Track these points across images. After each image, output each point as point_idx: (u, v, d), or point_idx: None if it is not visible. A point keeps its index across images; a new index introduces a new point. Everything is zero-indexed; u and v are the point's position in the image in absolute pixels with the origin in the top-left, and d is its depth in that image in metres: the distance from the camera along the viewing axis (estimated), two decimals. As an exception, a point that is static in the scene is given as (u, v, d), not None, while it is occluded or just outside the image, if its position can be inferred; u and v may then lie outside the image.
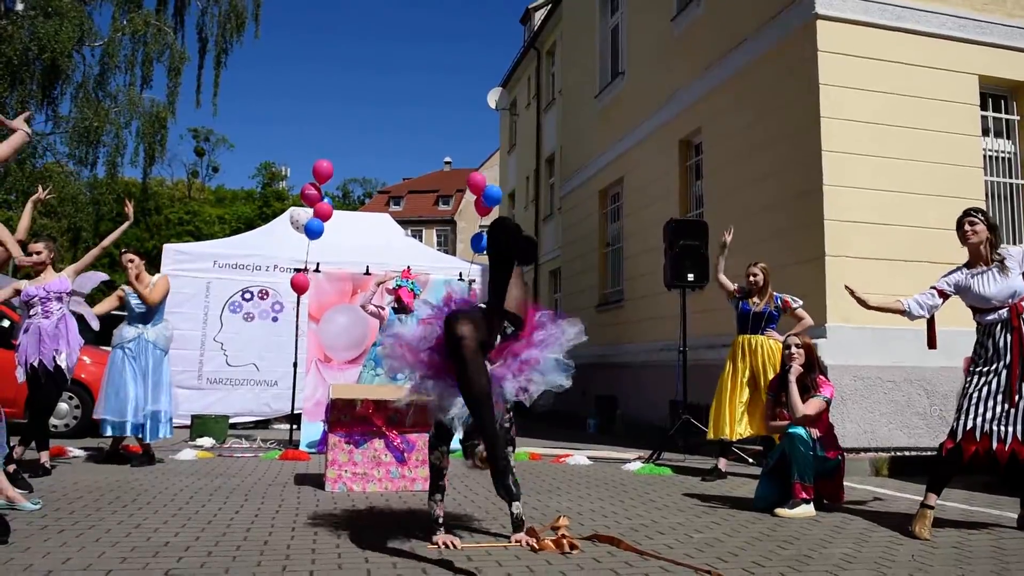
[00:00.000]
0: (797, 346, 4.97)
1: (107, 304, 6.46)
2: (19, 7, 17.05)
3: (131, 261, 6.44)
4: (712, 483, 6.02)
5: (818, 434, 4.68)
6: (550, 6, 19.29)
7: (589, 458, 7.36)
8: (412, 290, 7.15)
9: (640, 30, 12.08)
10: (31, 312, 5.58)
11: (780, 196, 8.08)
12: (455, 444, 3.66)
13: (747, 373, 6.30)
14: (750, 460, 6.97)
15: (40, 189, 5.53)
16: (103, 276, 6.24)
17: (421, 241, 27.33)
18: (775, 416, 5.09)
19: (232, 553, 3.35)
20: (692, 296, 8.01)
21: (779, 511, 4.59)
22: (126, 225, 6.33)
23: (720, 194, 9.32)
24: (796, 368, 4.90)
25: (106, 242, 6.21)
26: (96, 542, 3.49)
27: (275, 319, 10.01)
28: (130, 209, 6.34)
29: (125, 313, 6.59)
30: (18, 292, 5.58)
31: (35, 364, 5.49)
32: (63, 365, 5.58)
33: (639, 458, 7.24)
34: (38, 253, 5.66)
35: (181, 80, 18.92)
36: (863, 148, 7.58)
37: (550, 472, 6.52)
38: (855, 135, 7.57)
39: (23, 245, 5.57)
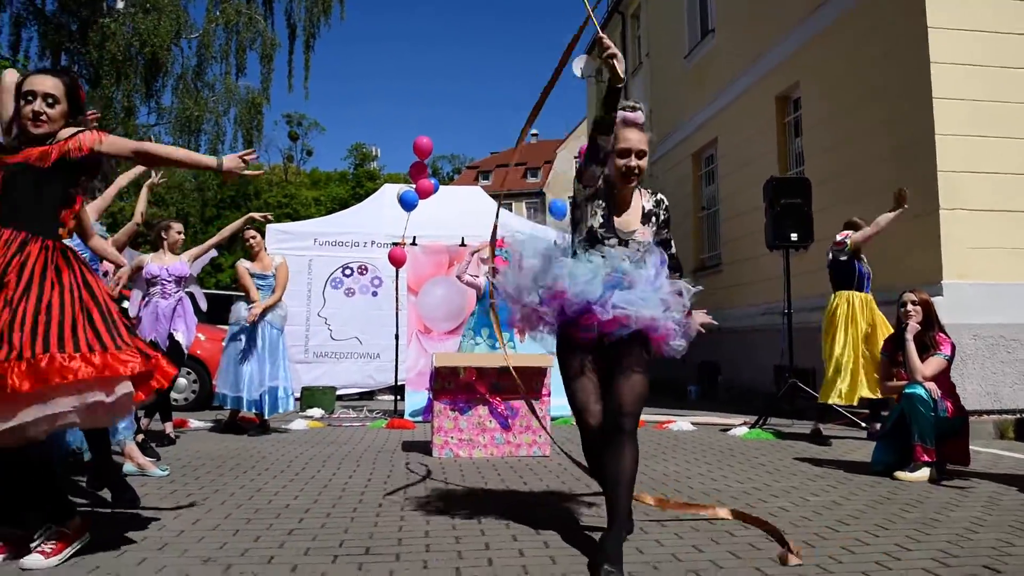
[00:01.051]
0: (913, 303, 4.74)
1: (253, 289, 6.67)
2: (120, 5, 17.81)
3: (253, 238, 6.70)
4: (825, 447, 5.85)
5: (939, 393, 4.46)
6: (634, -33, 18.82)
7: (693, 424, 7.27)
8: (507, 259, 7.15)
9: (731, -16, 11.65)
10: (151, 289, 5.87)
11: (887, 148, 7.69)
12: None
13: (862, 330, 6.10)
14: (863, 424, 6.73)
15: (153, 175, 5.78)
16: (212, 253, 6.52)
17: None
18: (890, 376, 4.89)
19: (349, 515, 3.45)
20: (795, 256, 7.73)
21: (899, 474, 4.42)
22: (247, 218, 6.65)
23: (821, 149, 8.94)
24: (913, 326, 4.68)
25: (225, 233, 6.50)
26: (222, 504, 3.67)
27: (375, 293, 10.23)
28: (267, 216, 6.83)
29: (240, 293, 6.86)
30: (140, 268, 5.88)
31: (153, 341, 5.79)
32: (181, 341, 5.86)
33: (744, 423, 7.10)
34: (181, 234, 6.08)
35: (273, 66, 19.44)
36: (978, 94, 7.11)
37: (653, 438, 6.46)
38: (969, 80, 7.11)
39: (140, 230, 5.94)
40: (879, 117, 7.82)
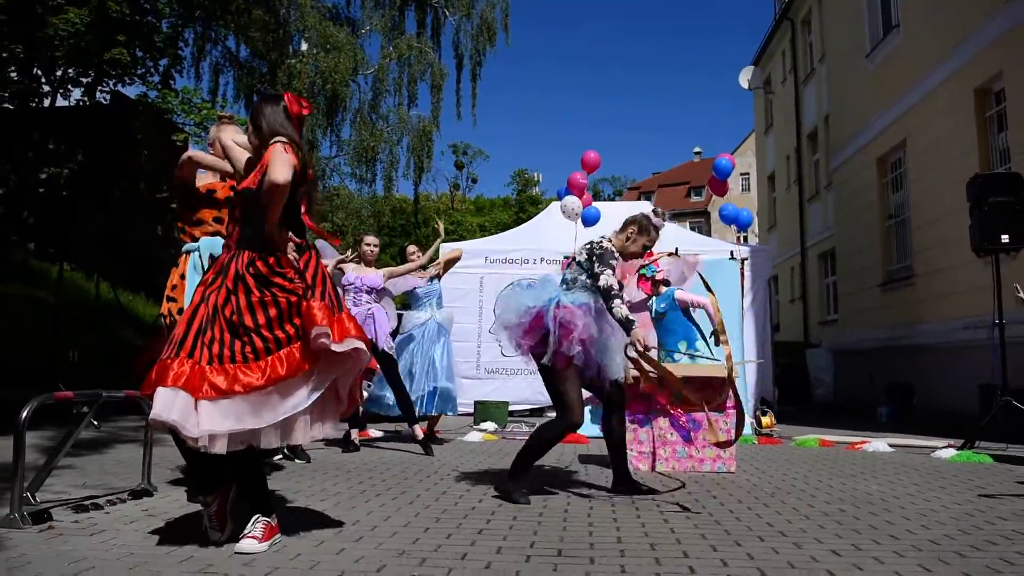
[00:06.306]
0: None
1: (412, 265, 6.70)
2: (304, 46, 19.18)
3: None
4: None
5: None
6: (804, -28, 18.05)
7: (890, 445, 6.69)
8: (643, 275, 6.85)
9: (917, -25, 10.87)
10: (344, 297, 6.15)
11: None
12: None
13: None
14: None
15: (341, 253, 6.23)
16: (409, 279, 6.69)
17: (676, 233, 26.70)
18: None
19: (535, 519, 3.39)
20: (1005, 262, 6.97)
21: None
22: (438, 243, 6.87)
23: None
24: None
25: (424, 259, 6.63)
26: (410, 505, 3.71)
27: (544, 310, 10.24)
28: (440, 227, 7.21)
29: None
30: (340, 272, 6.16)
31: None
32: (382, 347, 6.04)
33: (950, 445, 6.45)
34: (376, 246, 6.37)
35: (443, 95, 20.20)
36: None
37: (848, 458, 5.99)
38: None
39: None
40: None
